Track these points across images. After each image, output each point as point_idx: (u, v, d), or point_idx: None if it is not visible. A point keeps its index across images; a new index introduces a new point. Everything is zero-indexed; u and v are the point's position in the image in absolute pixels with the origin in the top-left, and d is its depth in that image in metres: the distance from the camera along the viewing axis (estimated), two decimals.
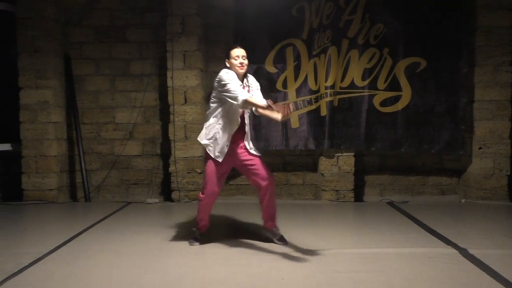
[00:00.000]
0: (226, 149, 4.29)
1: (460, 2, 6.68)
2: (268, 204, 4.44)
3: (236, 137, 4.35)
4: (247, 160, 4.37)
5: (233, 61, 4.32)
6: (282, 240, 4.50)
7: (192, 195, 6.84)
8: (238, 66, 4.31)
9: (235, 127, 4.29)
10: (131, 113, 7.30)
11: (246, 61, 4.35)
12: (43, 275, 3.70)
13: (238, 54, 4.32)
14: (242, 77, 4.38)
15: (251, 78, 4.48)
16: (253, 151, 4.38)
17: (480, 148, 6.69)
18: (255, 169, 4.36)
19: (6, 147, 7.12)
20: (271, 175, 4.39)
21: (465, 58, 6.67)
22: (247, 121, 4.38)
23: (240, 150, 4.38)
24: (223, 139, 4.29)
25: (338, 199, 6.84)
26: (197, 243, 4.52)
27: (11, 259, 4.08)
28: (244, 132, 4.38)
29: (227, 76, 4.21)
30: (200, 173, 6.83)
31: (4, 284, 3.48)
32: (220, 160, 4.30)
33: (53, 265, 3.95)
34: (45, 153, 6.85)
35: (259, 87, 4.50)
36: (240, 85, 4.25)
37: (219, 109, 4.30)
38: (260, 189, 4.39)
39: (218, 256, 4.14)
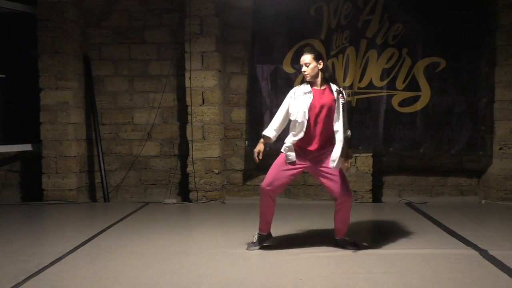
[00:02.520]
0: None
1: (480, 1, 6.61)
2: (342, 218, 4.32)
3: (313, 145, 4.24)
4: (321, 171, 4.25)
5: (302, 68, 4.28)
6: (355, 245, 4.35)
7: (209, 195, 6.86)
8: (304, 75, 4.26)
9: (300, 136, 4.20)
10: (149, 113, 7.35)
11: (309, 68, 4.20)
12: (63, 274, 3.74)
13: (301, 61, 4.25)
14: (321, 82, 4.26)
15: (333, 87, 4.27)
16: (332, 165, 4.18)
17: (500, 148, 6.61)
18: (329, 182, 4.24)
19: (27, 147, 7.20)
20: (348, 191, 4.24)
21: (485, 58, 6.61)
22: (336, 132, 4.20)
23: (316, 158, 4.25)
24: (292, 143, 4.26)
25: (356, 200, 6.79)
26: (254, 248, 4.38)
27: (32, 259, 4.13)
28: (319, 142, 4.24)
29: (288, 95, 4.38)
30: (218, 173, 6.85)
31: (25, 283, 3.52)
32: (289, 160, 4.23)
33: (73, 265, 3.99)
34: (64, 153, 6.92)
35: (340, 97, 4.24)
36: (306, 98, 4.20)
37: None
38: (335, 201, 4.29)
39: (236, 257, 4.15)
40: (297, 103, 4.24)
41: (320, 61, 4.25)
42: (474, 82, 6.64)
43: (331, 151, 4.18)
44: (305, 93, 4.23)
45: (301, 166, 4.27)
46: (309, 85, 4.27)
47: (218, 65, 6.87)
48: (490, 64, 6.63)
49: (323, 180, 4.26)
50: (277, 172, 4.24)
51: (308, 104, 4.17)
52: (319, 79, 4.26)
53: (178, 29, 7.13)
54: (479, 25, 6.59)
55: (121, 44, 7.33)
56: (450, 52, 6.64)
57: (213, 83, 6.82)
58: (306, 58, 4.23)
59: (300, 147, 4.24)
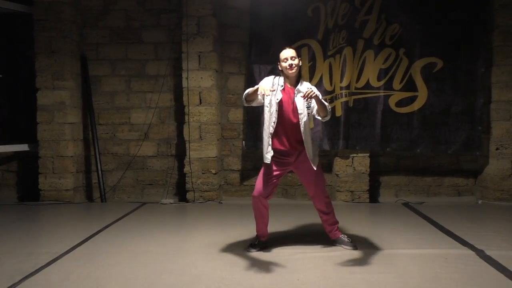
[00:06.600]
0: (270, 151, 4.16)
1: (477, 2, 6.62)
2: (324, 217, 4.43)
3: (293, 142, 4.19)
4: (300, 169, 4.28)
5: (282, 63, 4.15)
6: (352, 245, 4.36)
7: (206, 195, 6.85)
8: (287, 68, 4.13)
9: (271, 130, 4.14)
10: (146, 114, 7.34)
11: (295, 61, 4.11)
12: (59, 275, 3.73)
13: (286, 56, 4.13)
14: (296, 81, 4.20)
15: (305, 85, 4.19)
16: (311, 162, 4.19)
17: (497, 148, 6.63)
18: (305, 181, 4.34)
19: (24, 147, 7.18)
20: (324, 191, 4.32)
21: (482, 58, 6.61)
22: (303, 128, 4.13)
23: (298, 157, 4.24)
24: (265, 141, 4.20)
25: (353, 200, 6.81)
26: (254, 250, 4.34)
27: (28, 259, 4.13)
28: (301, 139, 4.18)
29: (264, 79, 4.25)
30: (215, 173, 6.85)
31: (22, 284, 3.52)
32: (266, 161, 4.16)
33: (70, 265, 3.98)
34: (61, 153, 6.91)
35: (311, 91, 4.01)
36: (278, 87, 4.14)
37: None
38: (311, 199, 4.41)
39: (234, 257, 4.15)
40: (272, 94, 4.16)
41: (300, 57, 4.28)
42: (471, 82, 6.64)
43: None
44: (280, 86, 4.18)
45: (285, 168, 4.27)
46: (282, 80, 4.22)
47: (216, 65, 6.87)
48: (487, 64, 6.64)
49: (301, 178, 4.38)
50: (264, 179, 4.21)
51: (279, 98, 4.12)
52: (295, 77, 4.21)
53: (176, 29, 7.12)
54: (476, 25, 6.59)
55: (118, 44, 7.32)
56: (447, 53, 6.64)
57: (211, 83, 6.82)
58: (291, 52, 4.16)
59: (277, 149, 4.18)
